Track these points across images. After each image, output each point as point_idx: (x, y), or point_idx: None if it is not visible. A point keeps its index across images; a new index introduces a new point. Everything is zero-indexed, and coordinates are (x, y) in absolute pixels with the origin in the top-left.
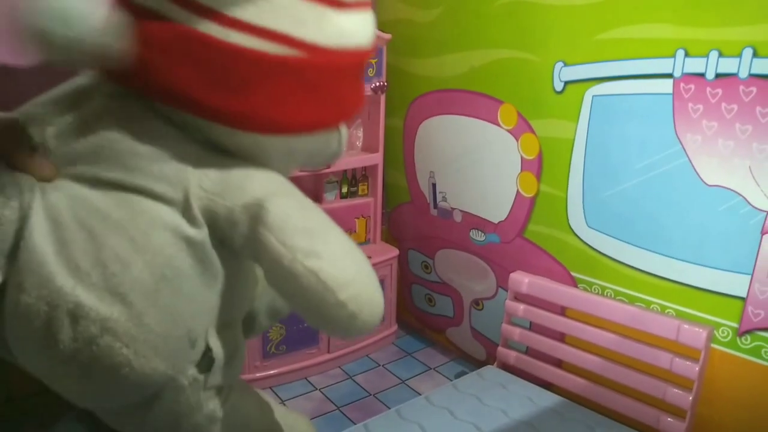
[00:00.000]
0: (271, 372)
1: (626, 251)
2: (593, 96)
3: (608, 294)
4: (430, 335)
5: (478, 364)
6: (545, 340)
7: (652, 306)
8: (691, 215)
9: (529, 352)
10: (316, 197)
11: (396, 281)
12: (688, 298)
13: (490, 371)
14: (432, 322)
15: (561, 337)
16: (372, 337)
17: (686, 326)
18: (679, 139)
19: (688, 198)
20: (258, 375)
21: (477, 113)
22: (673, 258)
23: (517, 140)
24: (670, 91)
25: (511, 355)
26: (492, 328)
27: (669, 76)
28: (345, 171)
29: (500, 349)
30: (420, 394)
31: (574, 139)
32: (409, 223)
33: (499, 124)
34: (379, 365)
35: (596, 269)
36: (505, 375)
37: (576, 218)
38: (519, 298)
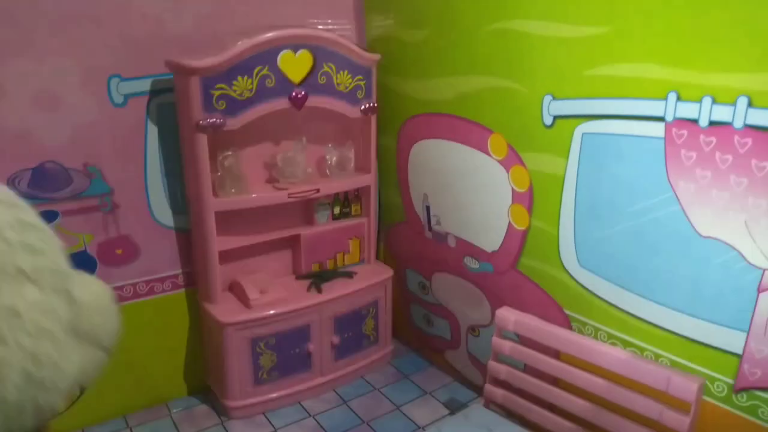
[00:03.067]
0: (263, 398)
1: (620, 295)
2: (583, 133)
3: (602, 336)
4: (428, 355)
5: (475, 388)
6: (533, 380)
7: (645, 353)
8: (684, 265)
9: (517, 390)
10: (308, 220)
11: (391, 302)
12: (683, 349)
13: (476, 411)
14: (430, 342)
15: (550, 379)
16: (367, 358)
17: (677, 377)
18: (671, 185)
19: (681, 247)
20: (249, 401)
21: (468, 140)
22: (666, 306)
23: (507, 171)
24: (662, 135)
25: (498, 394)
26: (489, 355)
27: (660, 119)
28: (337, 194)
29: (487, 386)
30: (414, 423)
31: (564, 176)
32: (405, 242)
33: (489, 154)
34: (375, 389)
35: (590, 310)
36: (491, 416)
37: (568, 256)
38: (508, 335)
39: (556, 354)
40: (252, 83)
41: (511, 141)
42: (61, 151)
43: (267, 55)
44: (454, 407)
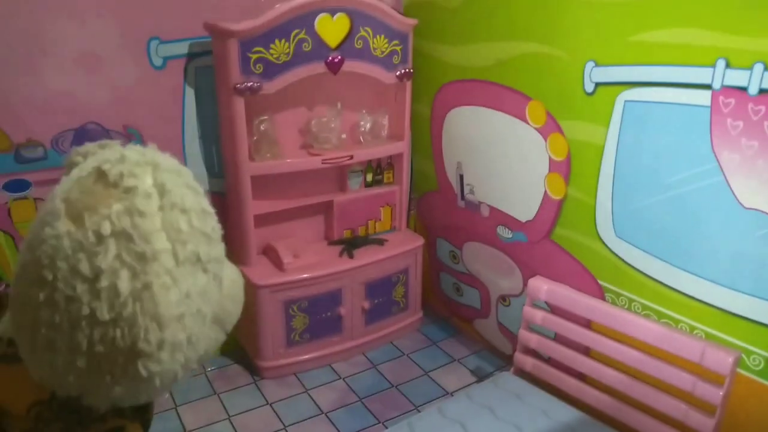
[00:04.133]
0: (295, 359)
1: (656, 266)
2: (625, 101)
3: (636, 307)
4: (457, 324)
5: (504, 357)
6: (563, 350)
7: (680, 325)
8: (725, 237)
9: (547, 360)
10: (341, 187)
11: (421, 270)
12: (719, 321)
13: (506, 378)
14: (460, 311)
15: (582, 349)
16: (397, 324)
17: (711, 349)
18: (715, 155)
19: (722, 219)
20: (282, 362)
21: (505, 107)
22: (704, 278)
23: (545, 140)
24: (708, 104)
25: (528, 362)
26: (519, 325)
27: (707, 87)
28: (370, 161)
29: (517, 354)
30: (442, 389)
31: (604, 145)
32: (437, 211)
33: (527, 121)
34: (404, 354)
35: (624, 281)
36: (521, 383)
37: (605, 227)
38: (540, 304)
39: (587, 324)
40: (289, 47)
41: (550, 108)
42: (102, 113)
43: (305, 18)
44: (482, 375)
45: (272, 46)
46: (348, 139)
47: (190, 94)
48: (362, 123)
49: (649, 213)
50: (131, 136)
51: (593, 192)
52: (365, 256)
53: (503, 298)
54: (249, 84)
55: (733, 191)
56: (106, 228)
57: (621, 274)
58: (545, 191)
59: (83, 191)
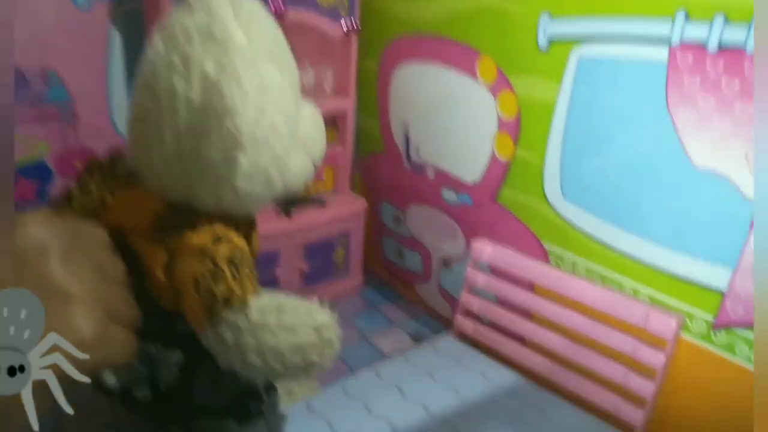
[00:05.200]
0: None
1: (602, 228)
2: (580, 57)
3: (580, 270)
4: (398, 288)
5: (445, 322)
6: (506, 313)
7: (625, 288)
8: (675, 198)
9: (490, 324)
10: None
11: (363, 234)
12: (664, 284)
13: (446, 342)
14: (401, 275)
15: (524, 313)
16: (336, 287)
17: (655, 313)
18: (670, 114)
19: (674, 179)
20: None
21: (455, 64)
22: (651, 241)
23: (495, 98)
24: (665, 60)
25: (469, 325)
26: (460, 289)
27: (666, 42)
28: None
29: (458, 317)
30: (381, 353)
31: (555, 103)
32: (381, 173)
33: (477, 79)
34: (342, 317)
35: (569, 242)
36: (461, 347)
37: (552, 188)
38: (483, 266)
39: (530, 287)
40: None
41: (501, 65)
42: (18, 50)
43: None
44: (422, 338)
45: None
46: None
47: (117, 41)
48: (304, 77)
49: (599, 174)
50: (51, 79)
51: (542, 152)
52: (305, 216)
53: (446, 262)
54: None
55: (686, 151)
56: (191, 24)
57: (567, 237)
58: (493, 151)
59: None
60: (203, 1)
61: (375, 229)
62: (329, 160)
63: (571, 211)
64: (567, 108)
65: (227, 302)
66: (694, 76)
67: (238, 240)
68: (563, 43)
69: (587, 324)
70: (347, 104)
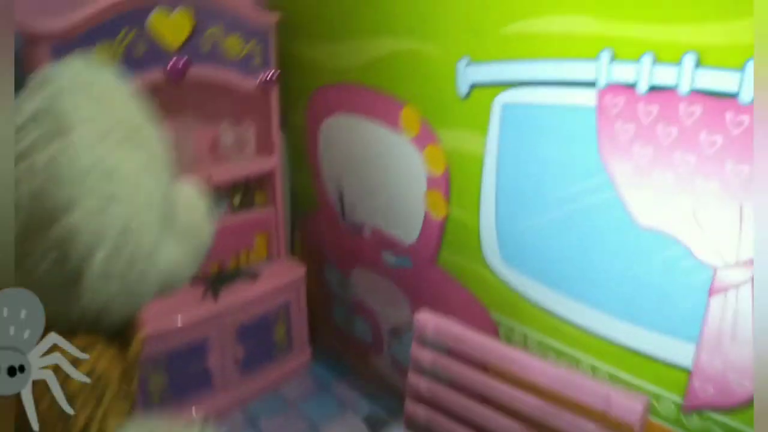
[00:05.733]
0: None
1: (548, 296)
2: (503, 104)
3: (532, 344)
4: (351, 361)
5: (402, 398)
6: (458, 397)
7: (582, 365)
8: (621, 261)
9: (442, 408)
10: None
11: (305, 303)
12: (623, 361)
13: None
14: (352, 345)
15: (477, 396)
16: (280, 368)
17: (617, 396)
18: (605, 165)
19: (617, 240)
20: None
21: (378, 115)
22: (602, 310)
23: (421, 152)
24: (594, 104)
25: (420, 412)
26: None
27: (592, 84)
28: (235, 182)
29: (408, 403)
30: None
31: (483, 155)
32: (321, 234)
33: (401, 131)
34: (289, 404)
35: (518, 313)
36: None
37: (490, 251)
38: (429, 342)
39: (483, 366)
40: (116, 51)
41: (425, 114)
42: None
43: (134, 14)
44: (374, 423)
45: (95, 50)
46: (206, 158)
47: None
48: (223, 137)
49: (537, 234)
50: None
51: (475, 210)
52: (234, 294)
53: (395, 331)
54: None
55: (627, 208)
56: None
57: (513, 305)
58: (426, 210)
59: None
60: (48, 79)
61: (323, 295)
62: (260, 226)
63: (514, 277)
64: (496, 160)
65: None
66: (627, 123)
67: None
68: (485, 89)
69: (545, 408)
70: (273, 162)
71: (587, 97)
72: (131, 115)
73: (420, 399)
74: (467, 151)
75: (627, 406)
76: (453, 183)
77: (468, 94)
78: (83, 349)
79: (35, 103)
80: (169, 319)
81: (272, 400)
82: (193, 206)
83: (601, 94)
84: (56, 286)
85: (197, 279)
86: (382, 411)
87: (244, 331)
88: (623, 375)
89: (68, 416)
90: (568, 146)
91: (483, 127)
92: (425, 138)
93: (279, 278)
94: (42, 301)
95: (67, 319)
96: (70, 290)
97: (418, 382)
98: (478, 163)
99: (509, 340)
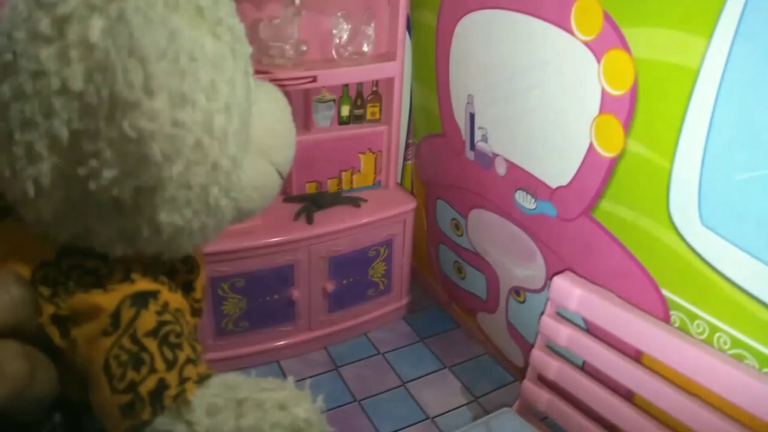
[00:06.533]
0: (229, 353)
1: (764, 278)
2: None
3: (721, 341)
4: (456, 314)
5: (514, 370)
6: (595, 388)
7: None
8: None
9: (570, 397)
10: (303, 123)
11: (411, 241)
12: None
13: (506, 422)
14: (460, 297)
15: (623, 391)
16: (373, 311)
17: None
18: None
19: None
20: (210, 356)
21: (539, 10)
22: None
23: (598, 60)
24: None
25: (542, 397)
26: (535, 330)
27: None
28: (346, 87)
29: (526, 384)
30: (421, 411)
31: (698, 70)
32: (439, 162)
33: (572, 31)
34: (378, 353)
35: (706, 295)
36: (527, 430)
37: (683, 205)
38: (566, 315)
39: (636, 356)
40: None
41: (609, 8)
42: None
43: None
44: (476, 394)
45: None
46: (315, 54)
47: None
48: (336, 31)
49: (763, 192)
50: None
51: (670, 149)
52: (332, 220)
53: (516, 291)
54: None
55: None
56: None
57: (701, 284)
58: (591, 143)
59: None
60: None
61: (431, 235)
62: (370, 145)
63: (711, 245)
64: (720, 78)
65: (157, 401)
66: None
67: (172, 296)
68: None
69: (713, 423)
70: (394, 69)
71: None
72: None
73: (543, 381)
74: (671, 62)
75: None
76: (640, 107)
77: None
78: (141, 294)
79: None
80: (254, 236)
81: (360, 345)
82: (275, 113)
83: None
84: (118, 203)
85: (292, 198)
86: (485, 382)
87: (337, 263)
88: None
89: (142, 365)
90: None
91: (706, 26)
92: (607, 40)
93: (384, 209)
94: (100, 220)
95: (129, 245)
96: (136, 208)
97: (544, 360)
98: (688, 80)
99: (685, 329)
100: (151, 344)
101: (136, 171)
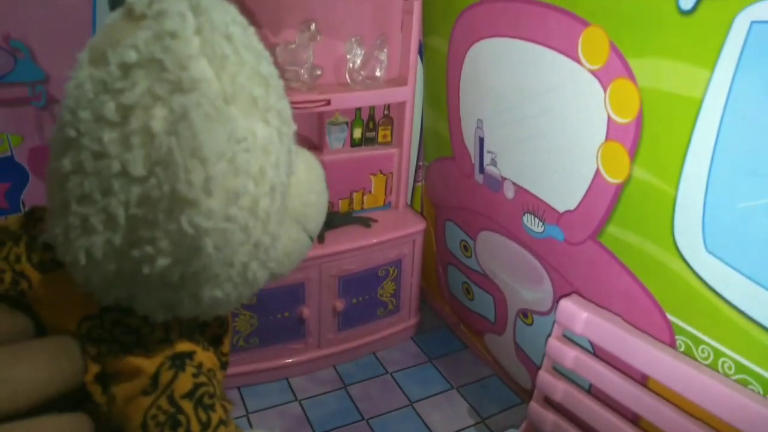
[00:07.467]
0: (238, 369)
1: (767, 304)
2: (752, 22)
3: (725, 366)
4: (464, 335)
5: (521, 392)
6: (601, 411)
7: None
8: None
9: (576, 419)
10: (316, 144)
11: (420, 262)
12: None
13: None
14: (469, 318)
15: (629, 414)
16: (382, 331)
17: None
18: None
19: None
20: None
21: (548, 39)
22: None
23: (605, 89)
24: None
25: (549, 420)
26: (542, 352)
27: None
28: (359, 111)
29: (533, 405)
30: (428, 429)
31: (701, 99)
32: (449, 185)
33: (579, 60)
34: (387, 372)
35: (711, 320)
36: None
37: (687, 231)
38: (573, 338)
39: (642, 380)
40: None
41: (615, 39)
42: None
43: None
44: (483, 416)
45: None
46: (329, 78)
47: (102, 2)
48: (350, 56)
49: (766, 218)
50: (17, 51)
51: (674, 175)
52: (342, 239)
53: (524, 313)
54: None
55: None
56: (131, 56)
57: (705, 310)
58: (597, 169)
59: (107, 30)
60: (156, 5)
61: (441, 257)
62: (380, 167)
63: (715, 272)
64: (723, 107)
65: None
66: None
67: (205, 355)
68: (722, 0)
69: None
70: (406, 94)
71: None
72: (258, 62)
73: (550, 403)
74: (676, 91)
75: None
76: (645, 134)
77: (694, 7)
78: (180, 356)
79: (139, 36)
80: None
81: (368, 364)
82: (310, 180)
83: None
84: (165, 282)
85: None
86: (492, 403)
87: (347, 282)
88: None
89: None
90: None
91: (709, 57)
92: (613, 69)
93: (394, 230)
94: (146, 293)
95: (169, 313)
96: (182, 285)
97: (551, 382)
98: (692, 109)
99: (690, 353)
100: (188, 406)
101: (188, 260)
